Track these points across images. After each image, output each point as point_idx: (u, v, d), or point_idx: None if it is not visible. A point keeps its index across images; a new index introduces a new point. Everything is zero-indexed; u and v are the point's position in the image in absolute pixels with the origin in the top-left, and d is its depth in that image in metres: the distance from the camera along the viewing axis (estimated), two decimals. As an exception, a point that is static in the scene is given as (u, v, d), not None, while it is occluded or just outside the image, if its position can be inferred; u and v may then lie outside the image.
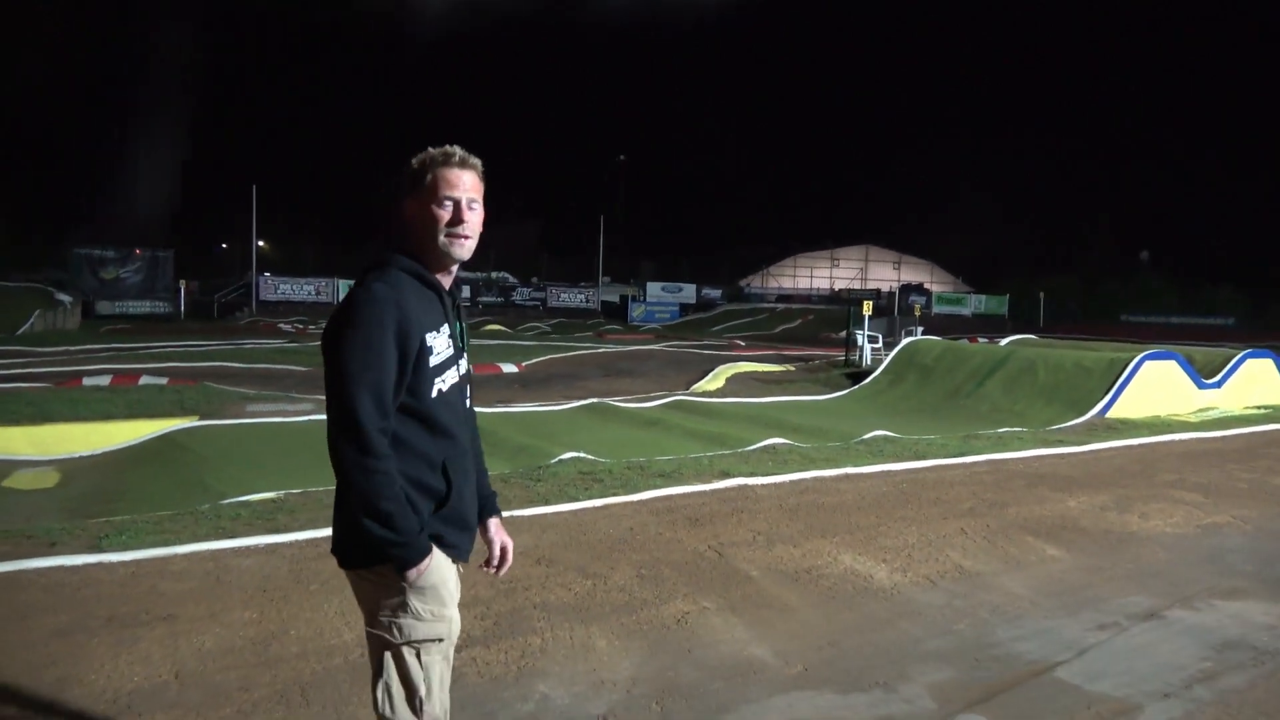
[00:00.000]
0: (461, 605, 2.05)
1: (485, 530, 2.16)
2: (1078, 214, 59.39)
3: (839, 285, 54.32)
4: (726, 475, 6.28)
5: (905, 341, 15.18)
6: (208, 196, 48.53)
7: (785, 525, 5.12)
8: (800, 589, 4.14)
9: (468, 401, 2.10)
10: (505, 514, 4.90)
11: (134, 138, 54.95)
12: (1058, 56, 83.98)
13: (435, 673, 1.93)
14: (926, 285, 53.01)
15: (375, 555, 1.85)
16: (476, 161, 1.97)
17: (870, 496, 5.90)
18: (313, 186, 56.04)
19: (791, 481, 6.22)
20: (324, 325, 1.91)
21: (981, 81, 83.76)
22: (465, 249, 1.94)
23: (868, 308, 18.50)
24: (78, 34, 51.18)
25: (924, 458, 7.29)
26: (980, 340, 19.56)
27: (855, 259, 57.93)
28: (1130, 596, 4.21)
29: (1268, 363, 12.88)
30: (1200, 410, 11.52)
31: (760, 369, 16.20)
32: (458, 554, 2.00)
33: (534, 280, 45.27)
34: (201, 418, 8.92)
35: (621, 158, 56.47)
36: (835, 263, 57.41)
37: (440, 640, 1.93)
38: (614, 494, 5.64)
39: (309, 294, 37.12)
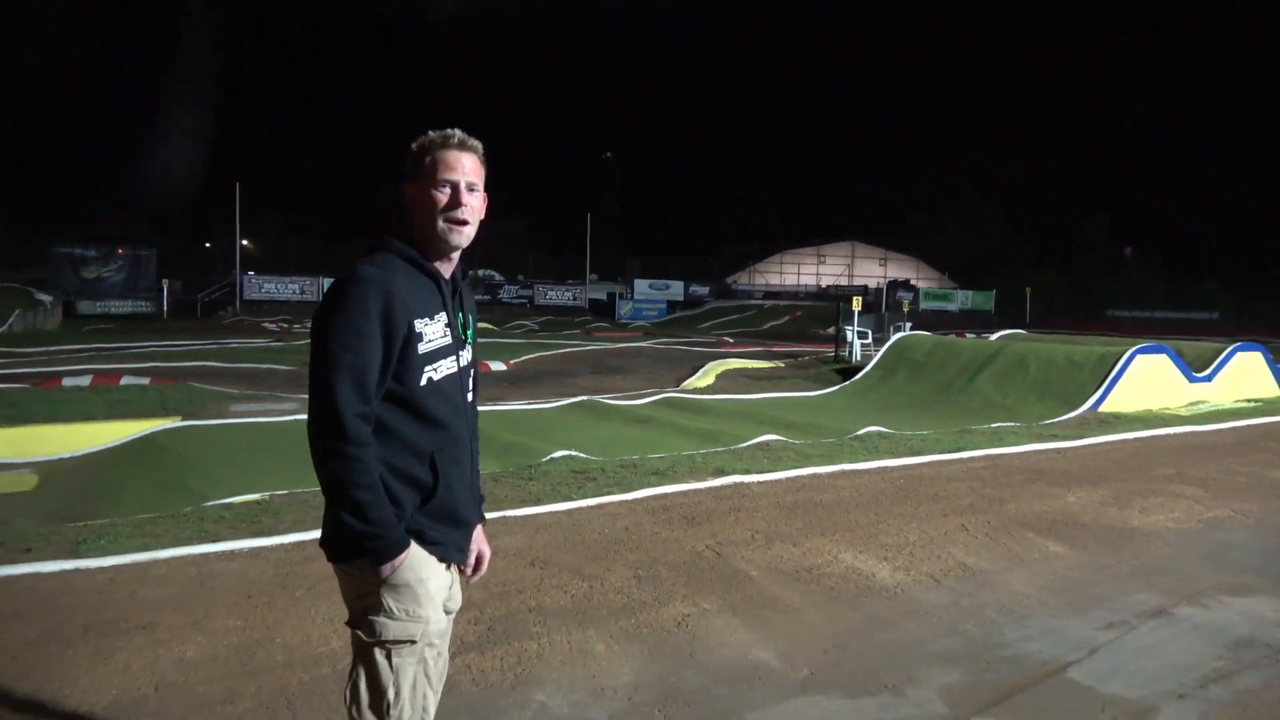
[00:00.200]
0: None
1: None
2: (1064, 210, 59.71)
3: (825, 282, 54.31)
4: (721, 473, 6.18)
5: (896, 337, 15.13)
6: (191, 195, 48.02)
7: (783, 523, 5.02)
8: (802, 589, 4.03)
9: (469, 395, 1.99)
10: (497, 514, 4.85)
11: (115, 135, 54.47)
12: (1043, 54, 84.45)
13: (407, 676, 1.85)
14: (913, 281, 53.07)
15: (353, 548, 1.79)
16: (477, 144, 1.90)
17: (868, 493, 5.81)
18: (297, 185, 55.54)
19: (788, 479, 6.12)
20: (310, 324, 1.83)
21: (966, 79, 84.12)
22: (465, 234, 1.88)
23: (857, 304, 18.46)
24: (55, 31, 50.55)
25: (920, 453, 7.22)
26: (968, 336, 19.55)
27: (842, 256, 57.91)
28: (1137, 594, 4.13)
29: (1257, 356, 12.90)
30: (1191, 404, 11.52)
31: (750, 365, 16.11)
32: (443, 552, 1.90)
33: (521, 278, 45.05)
34: (184, 418, 8.75)
35: (609, 155, 56.34)
36: (822, 259, 57.36)
37: (413, 642, 1.84)
38: (608, 492, 5.53)
39: (293, 293, 36.82)
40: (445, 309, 1.88)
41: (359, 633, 1.84)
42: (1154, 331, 30.32)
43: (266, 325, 27.25)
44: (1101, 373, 11.25)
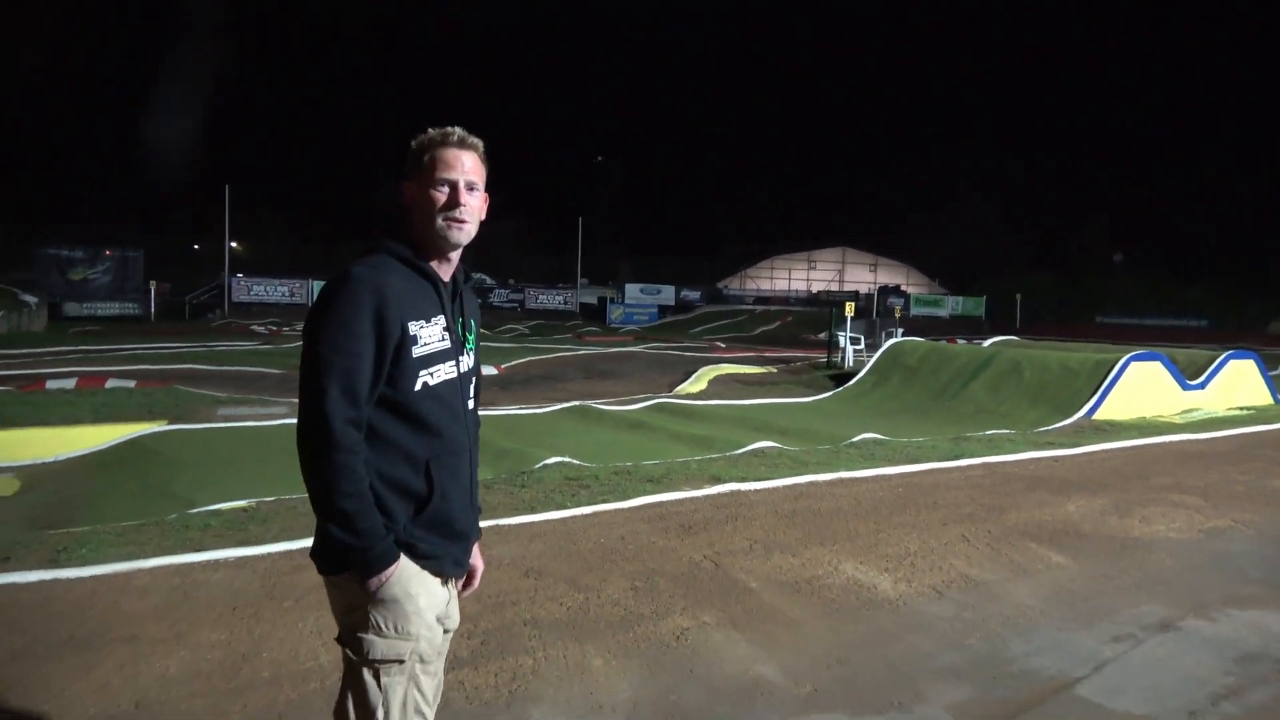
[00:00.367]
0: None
1: None
2: (1054, 216, 59.75)
3: (816, 287, 54.41)
4: (718, 480, 6.09)
5: (889, 342, 15.08)
6: (179, 196, 47.63)
7: (782, 533, 4.93)
8: (803, 601, 3.95)
9: (469, 402, 1.91)
10: (490, 522, 4.73)
11: (104, 136, 54.06)
12: (1032, 60, 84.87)
13: (396, 696, 1.77)
14: (904, 287, 53.19)
15: (340, 560, 1.71)
16: (477, 142, 1.84)
17: (867, 502, 5.73)
18: (287, 186, 55.13)
19: (785, 486, 6.04)
20: (299, 327, 1.74)
21: (957, 85, 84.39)
22: (463, 234, 1.81)
23: (850, 309, 18.44)
24: (44, 30, 50.19)
25: (918, 461, 7.14)
26: (960, 341, 19.54)
27: (832, 261, 57.98)
28: (1142, 606, 4.06)
29: (1249, 364, 12.91)
30: (1185, 411, 11.50)
31: (743, 371, 16.05)
32: (438, 566, 1.81)
33: (511, 281, 44.90)
34: (171, 422, 8.60)
35: (599, 159, 56.25)
36: (812, 264, 57.42)
37: (401, 661, 1.76)
38: (603, 500, 5.43)
39: (283, 295, 36.55)
40: (444, 312, 1.81)
41: (347, 651, 1.77)
42: (1144, 338, 30.40)
43: (255, 328, 27.08)
44: (1096, 379, 11.23)
